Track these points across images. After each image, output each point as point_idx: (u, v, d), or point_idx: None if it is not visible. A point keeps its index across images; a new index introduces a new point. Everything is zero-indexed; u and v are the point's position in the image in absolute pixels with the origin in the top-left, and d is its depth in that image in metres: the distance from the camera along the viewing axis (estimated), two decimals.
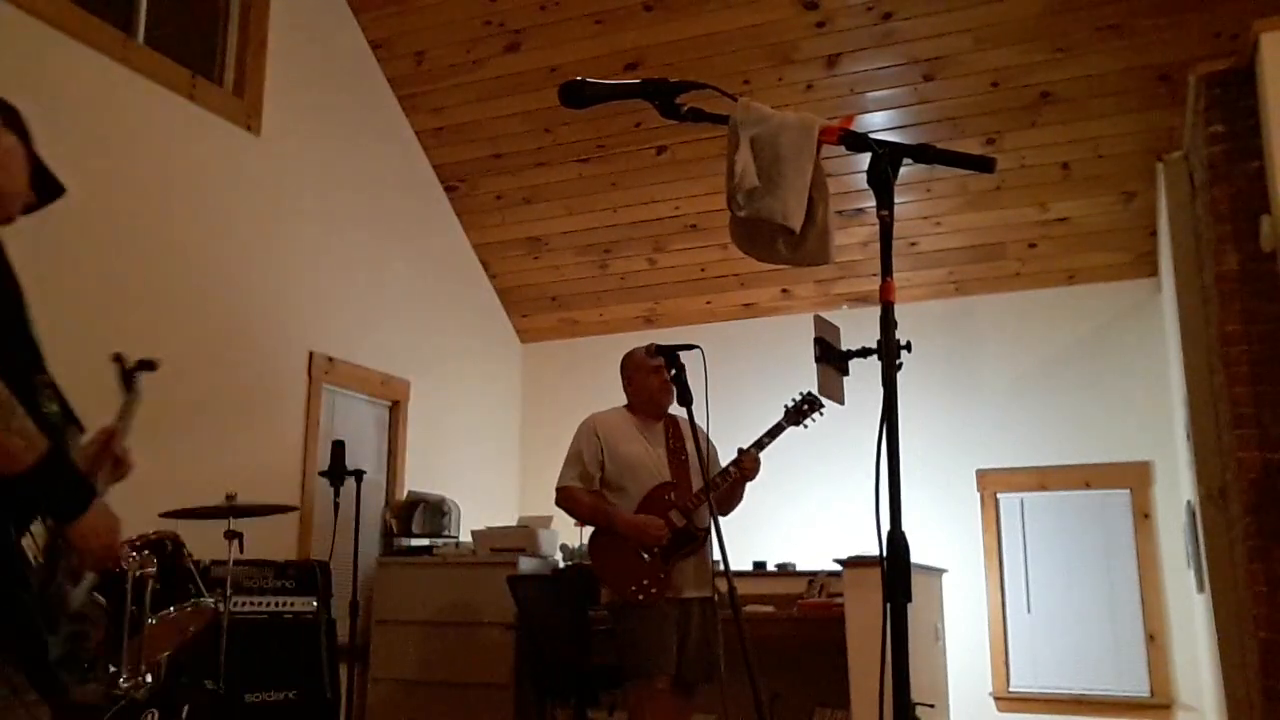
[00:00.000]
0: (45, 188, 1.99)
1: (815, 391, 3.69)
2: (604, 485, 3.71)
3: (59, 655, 1.63)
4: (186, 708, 3.14)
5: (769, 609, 4.78)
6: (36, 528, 1.62)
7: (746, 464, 3.69)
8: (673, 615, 3.56)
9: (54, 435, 1.71)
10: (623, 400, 3.91)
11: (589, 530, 3.82)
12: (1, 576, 1.56)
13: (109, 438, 2.01)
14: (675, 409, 3.71)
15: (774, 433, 3.76)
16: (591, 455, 3.72)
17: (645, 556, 3.58)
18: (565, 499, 3.74)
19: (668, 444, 3.79)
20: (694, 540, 3.63)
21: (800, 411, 3.80)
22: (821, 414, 3.82)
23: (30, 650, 1.58)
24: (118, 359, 2.31)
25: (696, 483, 3.63)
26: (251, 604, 4.13)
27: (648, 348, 3.78)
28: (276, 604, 4.23)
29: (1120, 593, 5.49)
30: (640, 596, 3.52)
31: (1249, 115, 3.46)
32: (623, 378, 3.90)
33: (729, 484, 3.70)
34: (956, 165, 1.68)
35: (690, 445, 3.66)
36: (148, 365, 2.30)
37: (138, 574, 2.84)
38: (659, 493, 3.67)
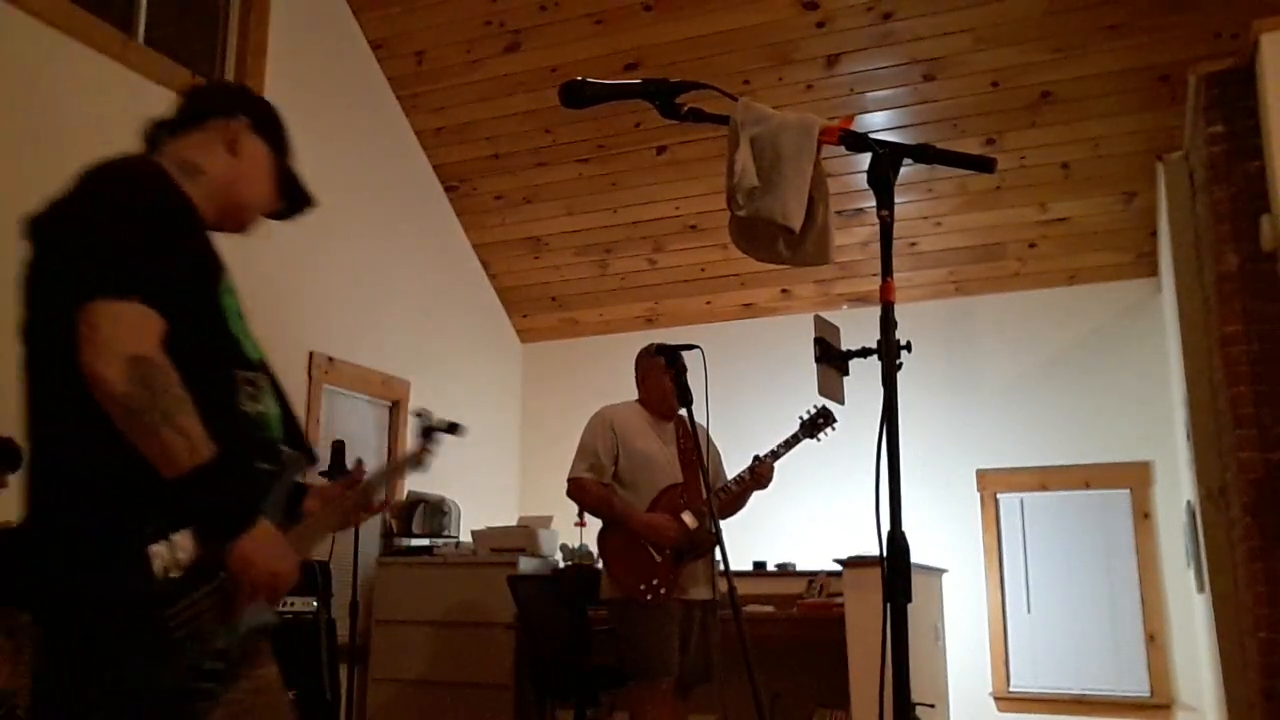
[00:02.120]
0: (294, 197, 1.91)
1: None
2: (616, 480, 3.70)
3: (169, 685, 1.46)
4: None
5: (769, 609, 4.78)
6: (181, 538, 1.47)
7: (762, 472, 3.71)
8: (676, 616, 3.56)
9: (247, 434, 1.61)
10: (622, 398, 3.91)
11: (590, 530, 3.82)
12: (107, 581, 1.43)
13: (360, 479, 1.90)
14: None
15: (789, 444, 3.80)
16: (606, 449, 3.70)
17: (657, 556, 3.57)
18: (577, 490, 3.73)
19: (678, 444, 3.79)
20: (705, 543, 3.63)
21: (815, 424, 3.84)
22: (834, 428, 3.85)
23: (120, 671, 1.43)
24: (419, 415, 2.25)
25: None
26: None
27: (648, 348, 3.79)
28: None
29: (1120, 593, 5.49)
30: (649, 596, 3.52)
31: (1249, 115, 3.46)
32: (636, 374, 3.90)
33: (740, 489, 3.73)
34: (956, 165, 1.68)
35: (699, 446, 3.67)
36: (454, 429, 2.24)
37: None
38: (671, 493, 3.67)
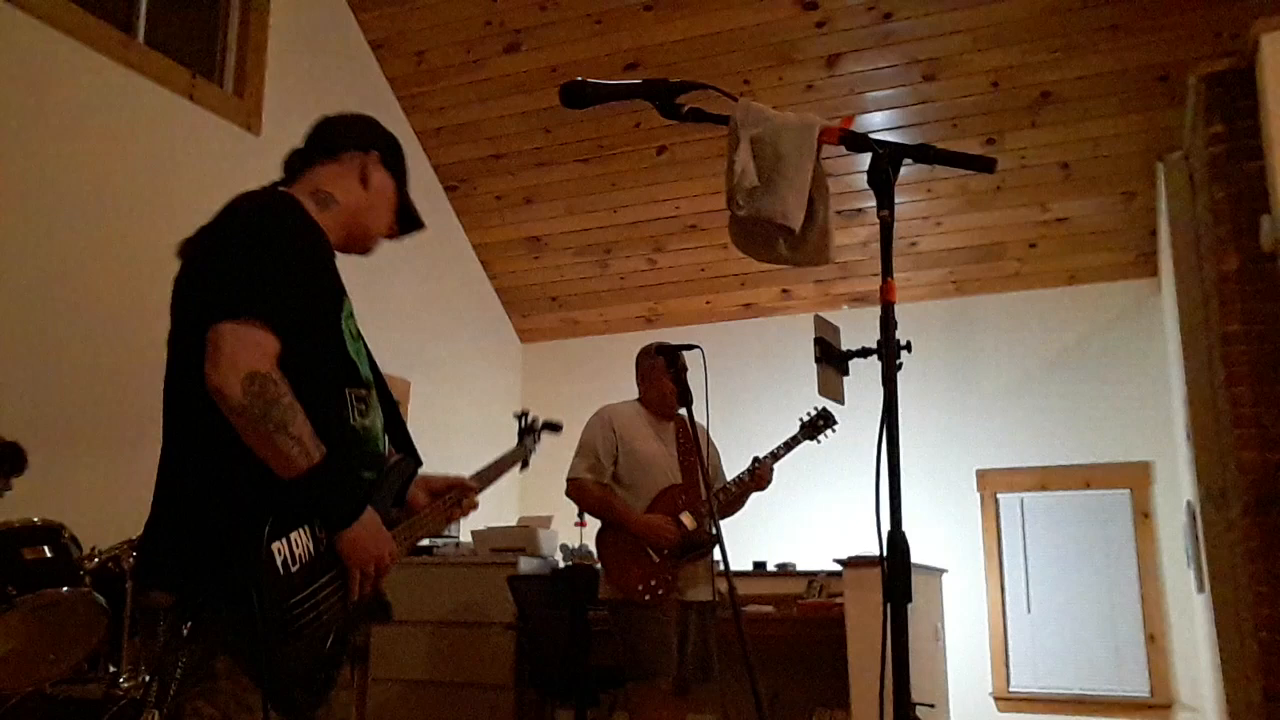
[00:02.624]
0: (408, 221, 2.07)
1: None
2: (615, 480, 3.70)
3: (297, 671, 1.59)
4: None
5: (769, 609, 4.78)
6: (300, 535, 1.62)
7: (762, 473, 3.71)
8: (674, 616, 3.56)
9: (355, 446, 1.76)
10: (622, 398, 3.91)
11: (590, 530, 3.82)
12: (240, 576, 1.54)
13: (460, 483, 2.11)
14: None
15: (789, 445, 3.81)
16: (606, 449, 3.70)
17: (655, 557, 3.58)
18: (575, 490, 3.73)
19: (678, 444, 3.79)
20: (704, 544, 3.63)
21: (815, 426, 3.85)
22: (834, 430, 3.85)
23: (259, 660, 1.55)
24: (520, 416, 2.42)
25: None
26: None
27: (648, 347, 3.79)
28: None
29: (1120, 593, 5.49)
30: (647, 596, 3.52)
31: (1249, 115, 3.46)
32: (637, 373, 3.89)
33: (739, 491, 3.73)
34: (956, 165, 1.67)
35: (699, 446, 3.67)
36: (553, 427, 2.38)
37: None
38: (670, 494, 3.67)
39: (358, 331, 1.91)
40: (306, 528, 1.64)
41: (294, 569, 1.60)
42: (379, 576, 1.74)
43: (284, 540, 1.59)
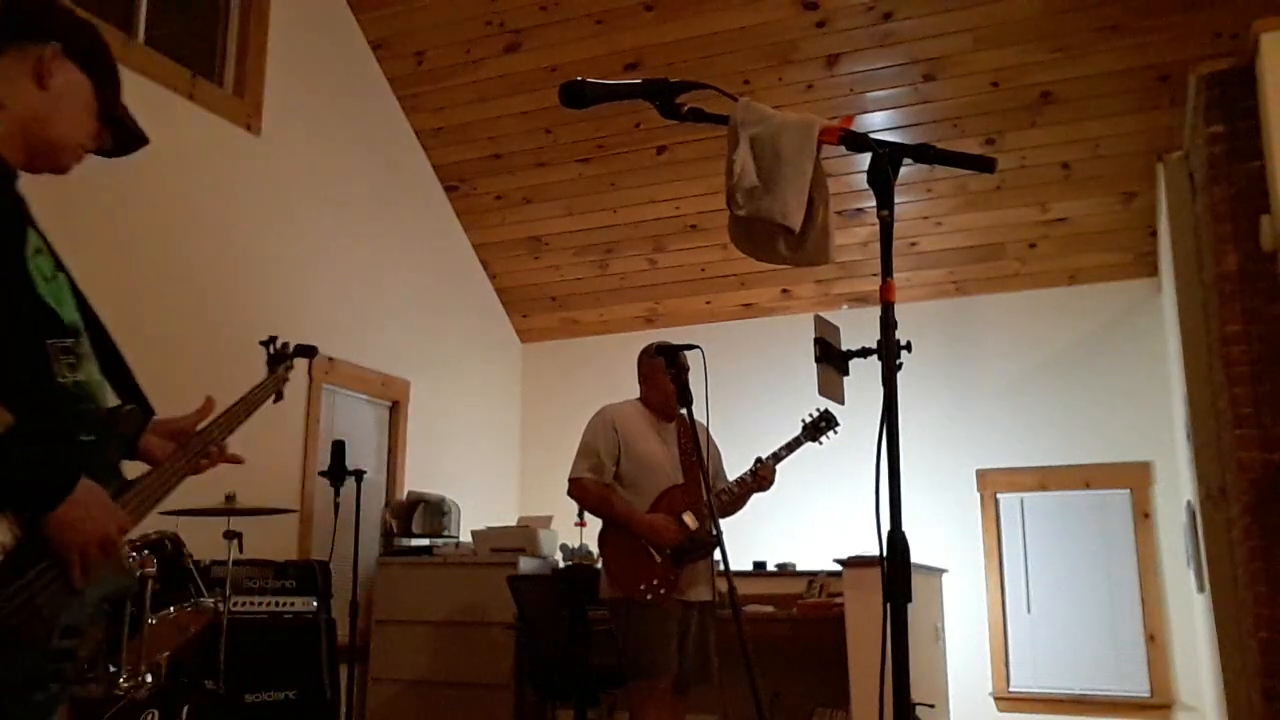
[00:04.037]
0: (122, 132, 1.71)
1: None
2: (617, 480, 3.70)
3: (16, 680, 1.36)
4: (186, 708, 3.15)
5: (769, 609, 4.78)
6: (3, 522, 1.36)
7: (764, 474, 3.71)
8: (675, 616, 3.56)
9: (66, 406, 1.49)
10: (622, 398, 3.91)
11: (590, 530, 3.82)
12: None
13: (195, 425, 1.75)
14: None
15: (791, 446, 3.82)
16: (607, 449, 3.69)
17: (657, 556, 3.57)
18: (577, 490, 3.72)
19: (680, 444, 3.79)
20: (706, 544, 3.63)
21: (817, 428, 3.86)
22: (836, 432, 3.86)
23: None
24: (267, 343, 2.05)
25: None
26: (251, 604, 4.13)
27: (649, 347, 3.79)
28: (276, 604, 4.23)
29: (1120, 593, 5.49)
30: (649, 596, 3.52)
31: (1249, 115, 3.45)
32: (639, 373, 3.89)
33: (741, 492, 3.73)
34: (956, 165, 1.67)
35: (700, 447, 3.67)
36: (306, 351, 2.06)
37: (138, 574, 2.83)
38: (673, 494, 3.66)
39: (54, 269, 1.55)
40: (9, 513, 1.37)
41: None
42: (105, 557, 1.45)
43: None
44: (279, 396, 2.02)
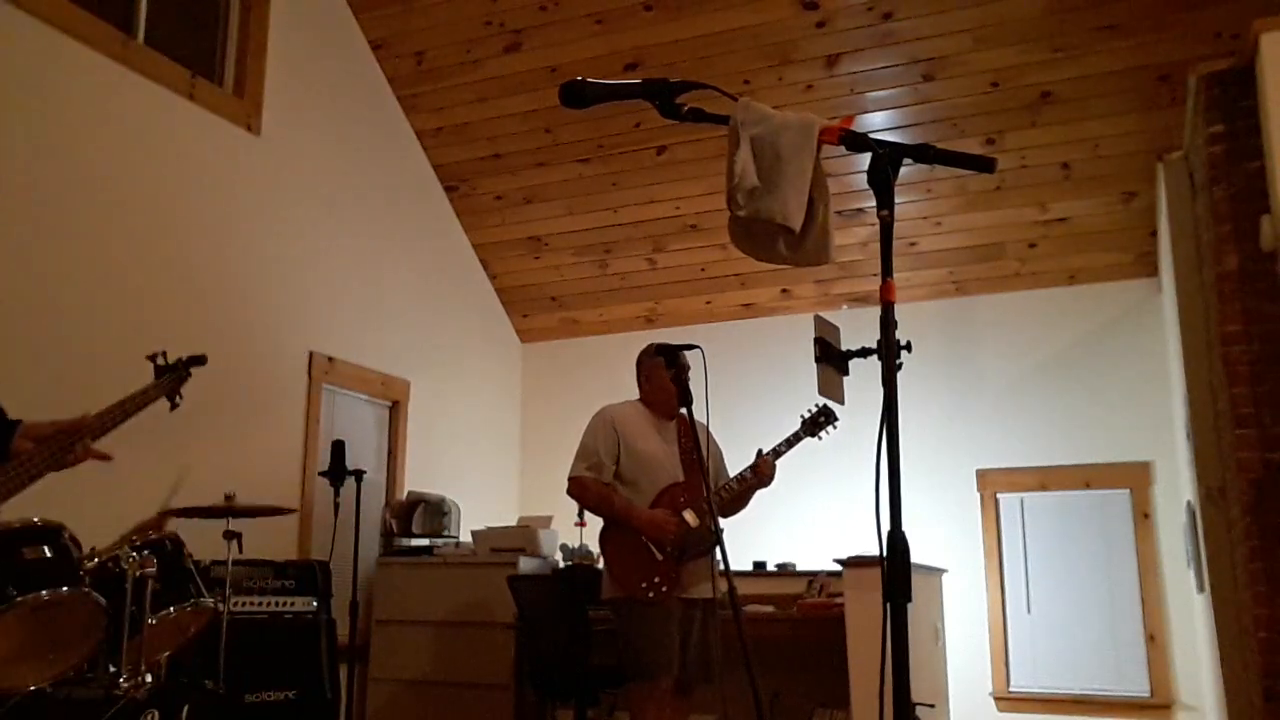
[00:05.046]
0: None
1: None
2: (617, 479, 3.70)
3: None
4: (186, 708, 3.14)
5: (769, 609, 4.78)
6: None
7: (763, 469, 3.71)
8: (677, 615, 3.56)
9: None
10: (622, 398, 3.91)
11: (590, 530, 3.82)
12: None
13: (72, 427, 1.88)
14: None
15: (791, 442, 3.82)
16: (607, 449, 3.70)
17: (658, 554, 3.57)
18: (577, 489, 3.72)
19: (680, 443, 3.79)
20: (706, 541, 3.63)
21: (816, 423, 3.86)
22: (835, 427, 3.85)
23: None
24: (154, 357, 2.18)
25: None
26: (251, 604, 4.13)
27: (649, 347, 3.79)
28: (276, 604, 4.23)
29: (1120, 593, 5.49)
30: (650, 594, 3.52)
31: (1249, 115, 3.46)
32: (639, 373, 3.89)
33: (742, 488, 3.73)
34: (956, 165, 1.67)
35: (700, 445, 3.67)
36: (197, 361, 2.12)
37: (138, 574, 2.83)
38: (673, 492, 3.67)
39: None
40: None
41: None
42: None
43: None
44: (174, 405, 2.14)
